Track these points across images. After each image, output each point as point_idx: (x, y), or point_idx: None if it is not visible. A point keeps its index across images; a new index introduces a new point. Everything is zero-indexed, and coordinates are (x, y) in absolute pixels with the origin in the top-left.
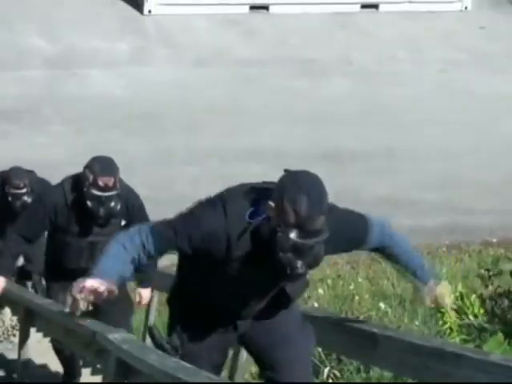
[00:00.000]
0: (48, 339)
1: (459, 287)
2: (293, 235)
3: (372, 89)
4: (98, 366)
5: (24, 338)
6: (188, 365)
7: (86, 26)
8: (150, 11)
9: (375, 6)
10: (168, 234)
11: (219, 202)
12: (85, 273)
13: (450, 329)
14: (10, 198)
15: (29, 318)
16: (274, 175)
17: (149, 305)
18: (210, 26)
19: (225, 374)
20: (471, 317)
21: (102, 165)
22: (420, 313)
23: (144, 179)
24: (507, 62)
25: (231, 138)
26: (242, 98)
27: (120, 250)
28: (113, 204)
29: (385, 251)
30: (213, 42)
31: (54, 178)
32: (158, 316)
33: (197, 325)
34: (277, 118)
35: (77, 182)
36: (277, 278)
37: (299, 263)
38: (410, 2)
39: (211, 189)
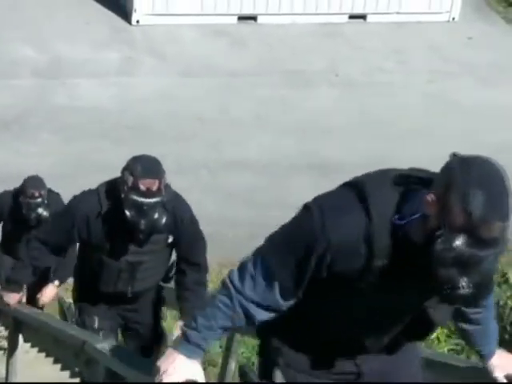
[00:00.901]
0: (36, 349)
1: None
2: (459, 243)
3: (359, 100)
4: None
5: (13, 347)
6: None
7: (75, 36)
8: (138, 21)
9: (363, 17)
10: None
11: (356, 195)
12: (123, 297)
13: (438, 339)
14: (23, 210)
15: (17, 328)
16: (261, 185)
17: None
18: (198, 36)
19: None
20: None
21: (145, 165)
22: None
23: None
24: (495, 73)
25: (219, 148)
26: (230, 108)
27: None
28: (157, 215)
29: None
30: (201, 53)
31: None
32: None
33: (309, 362)
34: (265, 129)
35: (114, 188)
36: (425, 298)
37: (464, 281)
38: (397, 13)
39: (200, 199)
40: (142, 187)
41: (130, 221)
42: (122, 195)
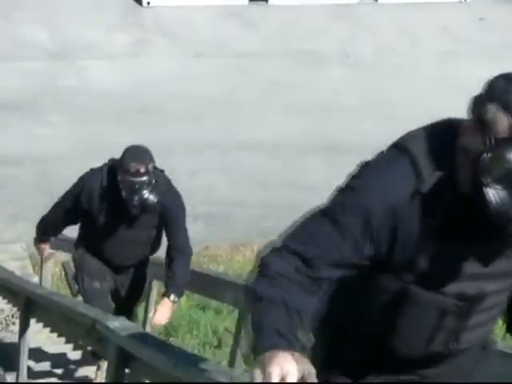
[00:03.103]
0: (48, 329)
1: None
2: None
3: (370, 81)
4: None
5: (24, 328)
6: (188, 351)
7: (86, 18)
8: (148, 3)
9: None
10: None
11: (400, 154)
12: (120, 268)
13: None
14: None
15: (29, 308)
16: (272, 166)
17: (148, 294)
18: (209, 17)
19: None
20: None
21: (134, 151)
22: None
23: None
24: (506, 53)
25: (230, 129)
26: (241, 89)
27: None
28: (146, 193)
29: None
30: (212, 34)
31: (57, 170)
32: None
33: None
34: (275, 110)
35: (113, 168)
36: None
37: None
38: None
39: (211, 180)
40: (132, 169)
41: (125, 198)
42: (118, 177)
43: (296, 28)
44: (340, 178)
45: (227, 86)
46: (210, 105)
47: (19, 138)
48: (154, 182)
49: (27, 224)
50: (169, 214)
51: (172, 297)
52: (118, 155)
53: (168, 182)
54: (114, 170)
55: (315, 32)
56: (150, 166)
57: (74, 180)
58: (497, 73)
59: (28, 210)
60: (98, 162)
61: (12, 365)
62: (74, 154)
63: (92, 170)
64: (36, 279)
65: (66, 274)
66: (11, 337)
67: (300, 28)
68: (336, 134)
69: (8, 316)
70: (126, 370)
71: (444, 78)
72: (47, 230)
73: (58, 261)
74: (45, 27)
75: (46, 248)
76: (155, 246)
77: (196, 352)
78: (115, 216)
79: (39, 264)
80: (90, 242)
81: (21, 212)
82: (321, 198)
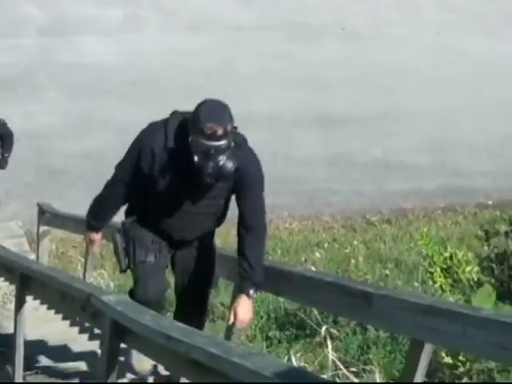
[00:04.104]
0: (45, 307)
1: (448, 248)
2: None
3: (366, 53)
4: (96, 330)
5: (20, 304)
6: (181, 324)
7: None
8: None
9: None
10: None
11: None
12: (180, 244)
13: (441, 288)
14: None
15: (25, 284)
16: (268, 138)
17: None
18: None
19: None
20: (462, 276)
21: (211, 108)
22: (416, 275)
23: None
24: (502, 24)
25: (226, 102)
26: (237, 63)
27: None
28: (223, 159)
29: None
30: (206, 8)
31: (53, 146)
32: None
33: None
34: (271, 83)
35: (182, 126)
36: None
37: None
38: None
39: None
40: (208, 131)
41: (197, 164)
42: (190, 138)
43: (291, 1)
44: (334, 150)
45: (222, 60)
46: (206, 78)
47: (14, 114)
48: (232, 145)
49: (23, 201)
50: (245, 182)
51: (251, 292)
52: (114, 130)
53: (246, 142)
54: (183, 127)
55: (310, 4)
56: (229, 127)
57: (71, 156)
58: (493, 43)
59: (24, 187)
60: (93, 137)
61: (10, 342)
62: (69, 130)
63: (152, 124)
64: (33, 257)
65: (116, 248)
66: (9, 315)
67: (295, 1)
68: (332, 106)
69: (6, 294)
70: (122, 345)
71: (439, 48)
72: (101, 212)
73: (54, 238)
74: (37, 3)
75: (98, 239)
76: (222, 218)
77: None
78: (181, 183)
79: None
80: (145, 213)
81: (16, 189)
82: (315, 170)
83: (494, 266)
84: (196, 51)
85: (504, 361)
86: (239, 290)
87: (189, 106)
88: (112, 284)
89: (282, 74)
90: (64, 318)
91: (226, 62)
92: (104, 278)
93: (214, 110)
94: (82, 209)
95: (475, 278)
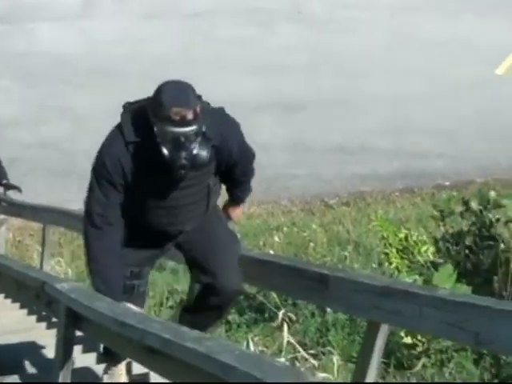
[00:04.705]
0: (2, 296)
1: (403, 229)
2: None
3: (322, 37)
4: (54, 319)
5: None
6: (137, 310)
7: None
8: None
9: None
10: None
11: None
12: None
13: (398, 269)
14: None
15: None
16: None
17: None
18: None
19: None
20: (418, 257)
21: (173, 90)
22: (375, 257)
23: (95, 134)
24: (459, 6)
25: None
26: (193, 49)
27: None
28: (195, 146)
29: None
30: None
31: (8, 135)
32: None
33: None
34: (227, 68)
35: (142, 118)
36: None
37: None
38: None
39: None
40: (175, 116)
41: (167, 157)
42: (155, 129)
43: None
44: (293, 135)
45: (179, 47)
46: (162, 65)
47: None
48: (203, 129)
49: None
50: (231, 156)
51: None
52: (70, 119)
53: (214, 109)
54: (141, 118)
55: None
56: (198, 108)
57: (27, 145)
58: (452, 26)
59: None
60: (49, 127)
61: None
62: (25, 119)
63: (108, 135)
64: None
65: None
66: None
67: None
68: (289, 91)
69: None
70: (77, 332)
71: (395, 31)
72: (107, 268)
73: (10, 227)
74: None
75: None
76: (218, 191)
77: (152, 313)
78: (160, 180)
79: None
80: (133, 227)
81: None
82: (274, 156)
83: (449, 246)
84: (152, 38)
85: (460, 341)
86: (234, 199)
87: (146, 94)
88: (70, 271)
89: (240, 59)
90: (22, 307)
91: (182, 48)
92: (62, 266)
93: (178, 91)
94: (39, 198)
95: (431, 259)
